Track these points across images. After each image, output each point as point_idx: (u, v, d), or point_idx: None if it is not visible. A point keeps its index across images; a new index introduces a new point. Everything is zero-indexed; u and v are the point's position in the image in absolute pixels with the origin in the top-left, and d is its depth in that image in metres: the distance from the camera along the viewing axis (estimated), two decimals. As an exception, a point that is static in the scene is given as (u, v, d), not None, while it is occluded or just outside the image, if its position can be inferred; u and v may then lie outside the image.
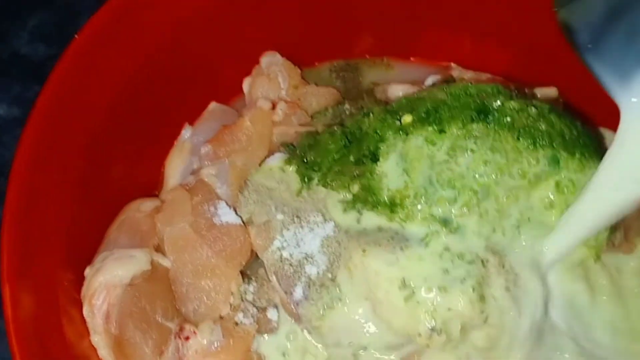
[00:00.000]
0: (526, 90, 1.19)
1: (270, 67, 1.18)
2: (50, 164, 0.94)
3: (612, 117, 1.15)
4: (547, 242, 0.97)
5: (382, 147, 0.99)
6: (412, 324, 0.91)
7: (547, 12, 0.94)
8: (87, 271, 0.96)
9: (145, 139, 1.12)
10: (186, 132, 1.17)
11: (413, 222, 0.95)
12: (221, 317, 0.96)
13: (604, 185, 0.92)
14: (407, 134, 0.98)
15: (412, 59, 1.33)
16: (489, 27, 1.23)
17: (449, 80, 1.22)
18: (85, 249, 0.98)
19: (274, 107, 1.13)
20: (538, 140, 0.96)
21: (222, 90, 1.22)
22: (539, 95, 1.17)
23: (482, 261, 0.93)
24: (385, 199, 0.97)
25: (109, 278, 0.92)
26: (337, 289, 0.95)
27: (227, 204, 1.01)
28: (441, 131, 0.96)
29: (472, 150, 0.95)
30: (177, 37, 1.10)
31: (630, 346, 1.00)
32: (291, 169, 1.04)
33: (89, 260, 0.97)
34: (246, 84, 1.20)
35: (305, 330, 0.98)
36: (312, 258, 0.97)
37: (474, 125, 0.96)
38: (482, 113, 0.98)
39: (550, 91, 1.23)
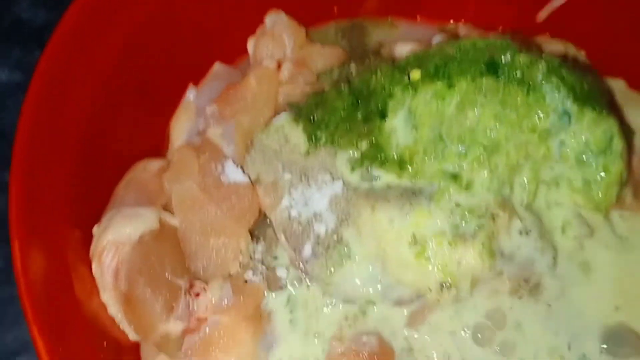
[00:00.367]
0: (533, 46, 1.19)
1: (275, 27, 1.17)
2: (55, 125, 0.93)
3: (620, 66, 1.15)
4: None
5: (390, 104, 0.98)
6: (422, 280, 0.91)
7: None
8: (95, 229, 0.95)
9: (150, 99, 1.12)
10: (191, 93, 1.15)
11: (422, 178, 0.95)
12: (230, 275, 0.96)
13: None
14: (415, 90, 0.97)
15: (417, 18, 1.31)
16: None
17: (455, 38, 1.21)
18: (92, 208, 0.98)
19: (279, 66, 1.12)
20: (548, 94, 0.95)
21: (227, 50, 1.20)
22: (546, 50, 1.16)
23: (492, 216, 0.92)
24: (394, 155, 0.97)
25: (118, 236, 0.91)
26: (346, 246, 0.95)
27: (234, 162, 1.00)
28: (450, 86, 0.95)
29: (481, 105, 0.94)
30: (181, -4, 1.09)
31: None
32: (298, 128, 1.03)
33: (96, 219, 0.97)
34: (251, 44, 1.18)
35: (313, 287, 0.98)
36: (320, 216, 0.96)
37: (484, 80, 0.95)
38: (492, 67, 0.96)
39: (557, 45, 1.22)
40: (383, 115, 0.98)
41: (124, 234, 0.92)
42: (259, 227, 1.02)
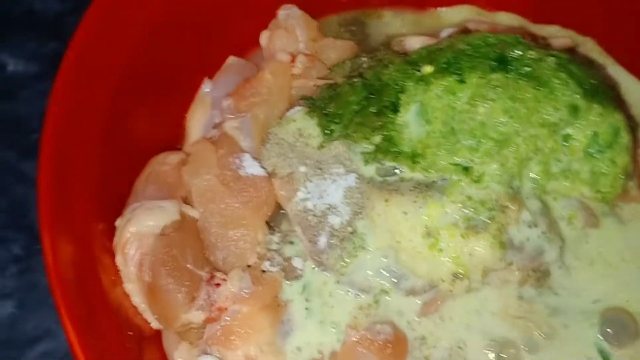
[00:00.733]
0: (541, 40, 1.20)
1: (287, 20, 1.18)
2: (78, 120, 0.95)
3: (630, 56, 1.17)
4: None
5: (402, 98, 0.99)
6: (435, 271, 0.94)
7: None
8: (118, 222, 0.97)
9: (166, 93, 1.13)
10: (206, 86, 1.17)
11: (435, 171, 0.97)
12: (249, 266, 0.98)
13: None
14: (427, 84, 0.98)
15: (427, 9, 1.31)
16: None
17: (465, 32, 1.22)
18: (114, 201, 1.00)
19: (292, 60, 1.13)
20: (557, 89, 0.97)
21: (240, 44, 1.21)
22: (554, 44, 1.18)
23: (502, 208, 0.95)
24: (407, 149, 0.99)
25: (140, 228, 0.94)
26: (360, 238, 0.97)
27: (251, 156, 1.02)
28: (461, 81, 0.97)
29: (492, 100, 0.96)
30: (197, -9, 1.10)
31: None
32: (312, 121, 1.05)
33: (118, 212, 0.99)
34: (264, 38, 1.19)
35: (328, 277, 1.01)
36: (335, 208, 0.99)
37: (494, 75, 0.97)
38: (502, 63, 0.98)
39: (565, 41, 1.23)
40: (395, 109, 1.00)
41: (146, 227, 0.94)
42: (276, 218, 1.04)
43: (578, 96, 0.97)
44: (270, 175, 1.02)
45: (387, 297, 0.98)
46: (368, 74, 1.07)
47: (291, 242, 1.02)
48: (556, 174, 1.00)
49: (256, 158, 1.03)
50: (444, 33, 1.22)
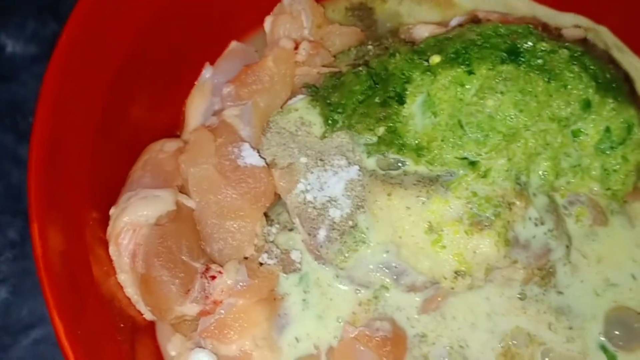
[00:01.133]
0: (553, 31, 1.17)
1: (293, 5, 1.15)
2: (72, 105, 0.92)
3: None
4: None
5: (409, 89, 0.97)
6: (437, 267, 0.92)
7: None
8: (112, 211, 0.95)
9: (166, 78, 1.10)
10: (207, 72, 1.14)
11: (440, 165, 0.95)
12: (246, 258, 0.96)
13: None
14: (435, 75, 0.95)
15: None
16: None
17: (474, 21, 1.19)
18: (108, 189, 0.98)
19: (296, 46, 1.10)
20: (570, 82, 0.94)
21: (244, 28, 1.18)
22: (566, 35, 1.15)
23: (509, 204, 0.92)
24: (412, 141, 0.96)
25: (135, 218, 0.92)
26: (361, 232, 0.95)
27: (250, 145, 1.00)
28: (470, 72, 0.94)
29: (501, 93, 0.93)
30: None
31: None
32: (314, 110, 1.03)
33: (112, 200, 0.97)
34: (268, 23, 1.16)
35: (327, 271, 0.99)
36: (336, 201, 0.96)
37: (504, 67, 0.94)
38: (513, 54, 0.95)
39: (578, 31, 1.20)
40: (401, 100, 0.97)
41: (141, 216, 0.92)
42: (274, 210, 1.02)
43: (591, 90, 0.94)
44: (270, 165, 1.00)
45: (386, 293, 0.97)
46: (373, 62, 1.04)
47: (289, 235, 1.00)
48: (565, 170, 0.98)
49: (255, 147, 1.00)
50: (453, 22, 1.19)
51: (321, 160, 0.99)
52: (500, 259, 0.92)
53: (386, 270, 0.95)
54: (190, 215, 0.96)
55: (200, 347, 0.93)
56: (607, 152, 0.96)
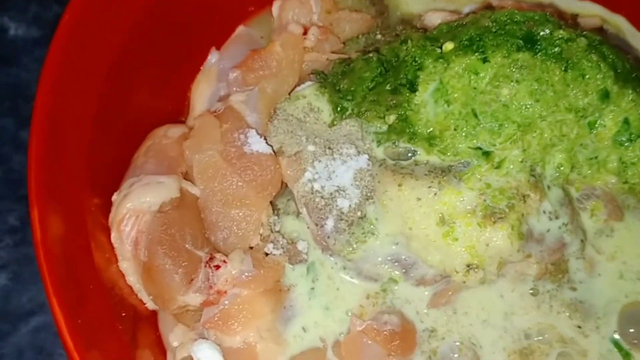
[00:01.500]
0: (569, 19, 1.14)
1: (301, -10, 1.12)
2: (74, 89, 0.90)
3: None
4: None
5: (421, 76, 0.94)
6: (448, 260, 0.89)
7: None
8: (115, 197, 0.93)
9: (171, 63, 1.08)
10: (213, 57, 1.12)
11: (452, 155, 0.92)
12: (251, 248, 0.94)
13: None
14: (448, 63, 0.93)
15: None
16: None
17: (488, 9, 1.16)
18: (111, 175, 0.95)
19: (305, 32, 1.08)
20: (588, 72, 0.91)
21: (252, 13, 1.16)
22: (582, 24, 1.12)
23: (523, 197, 0.90)
24: (423, 130, 0.93)
25: (138, 204, 0.89)
26: (370, 223, 0.93)
27: (257, 132, 0.97)
28: (485, 60, 0.92)
29: (517, 81, 0.90)
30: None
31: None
32: (323, 97, 1.00)
33: (115, 186, 0.95)
34: (276, 7, 1.14)
35: (334, 263, 0.96)
36: (344, 191, 0.94)
37: (520, 55, 0.91)
38: (529, 42, 0.92)
39: (594, 20, 1.18)
40: (413, 87, 0.95)
41: (144, 203, 0.89)
42: (281, 198, 1.00)
43: (610, 80, 0.92)
44: (277, 153, 0.98)
45: (395, 286, 0.95)
46: (384, 49, 1.02)
47: (296, 225, 0.98)
48: (581, 162, 0.95)
49: (262, 134, 0.98)
50: (466, 9, 1.17)
51: (329, 148, 0.96)
52: (514, 253, 0.89)
53: (395, 263, 0.93)
54: (195, 203, 0.94)
55: (203, 338, 0.91)
56: (626, 145, 0.94)
